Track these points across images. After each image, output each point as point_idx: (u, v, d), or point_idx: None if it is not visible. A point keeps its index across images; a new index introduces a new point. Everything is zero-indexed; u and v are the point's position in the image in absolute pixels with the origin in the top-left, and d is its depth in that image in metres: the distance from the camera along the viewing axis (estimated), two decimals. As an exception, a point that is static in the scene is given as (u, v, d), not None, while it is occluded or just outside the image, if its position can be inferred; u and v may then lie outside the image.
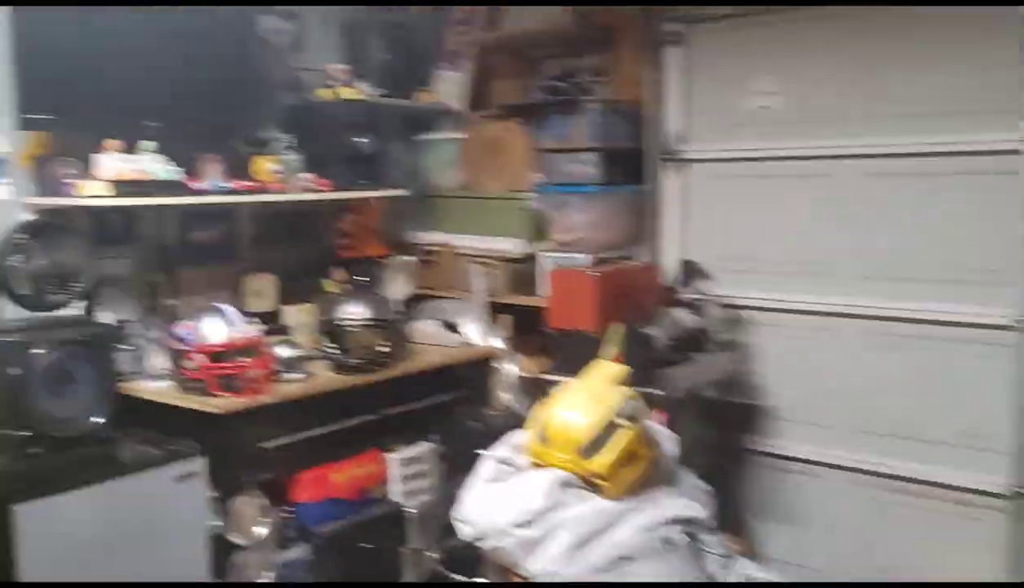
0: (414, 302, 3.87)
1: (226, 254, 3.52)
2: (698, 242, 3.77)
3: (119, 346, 3.05)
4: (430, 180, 4.16)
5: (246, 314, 3.30)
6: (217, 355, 2.85)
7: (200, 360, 2.82)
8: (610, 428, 2.21)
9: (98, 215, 3.10)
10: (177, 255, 3.36)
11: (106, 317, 3.08)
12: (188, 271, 3.39)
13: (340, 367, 3.19)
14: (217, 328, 2.87)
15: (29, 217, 2.95)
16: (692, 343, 3.40)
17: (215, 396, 2.82)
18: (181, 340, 2.86)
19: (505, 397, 3.59)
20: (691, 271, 3.63)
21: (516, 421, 3.33)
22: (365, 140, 3.54)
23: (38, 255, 2.66)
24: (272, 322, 3.47)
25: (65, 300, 2.73)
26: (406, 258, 3.76)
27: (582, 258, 3.62)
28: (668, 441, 2.46)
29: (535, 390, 3.66)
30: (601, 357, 3.30)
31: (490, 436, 3.26)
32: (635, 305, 3.41)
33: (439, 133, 4.15)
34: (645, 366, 3.11)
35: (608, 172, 3.70)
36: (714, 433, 3.45)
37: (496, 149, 3.94)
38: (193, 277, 3.41)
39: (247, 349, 2.91)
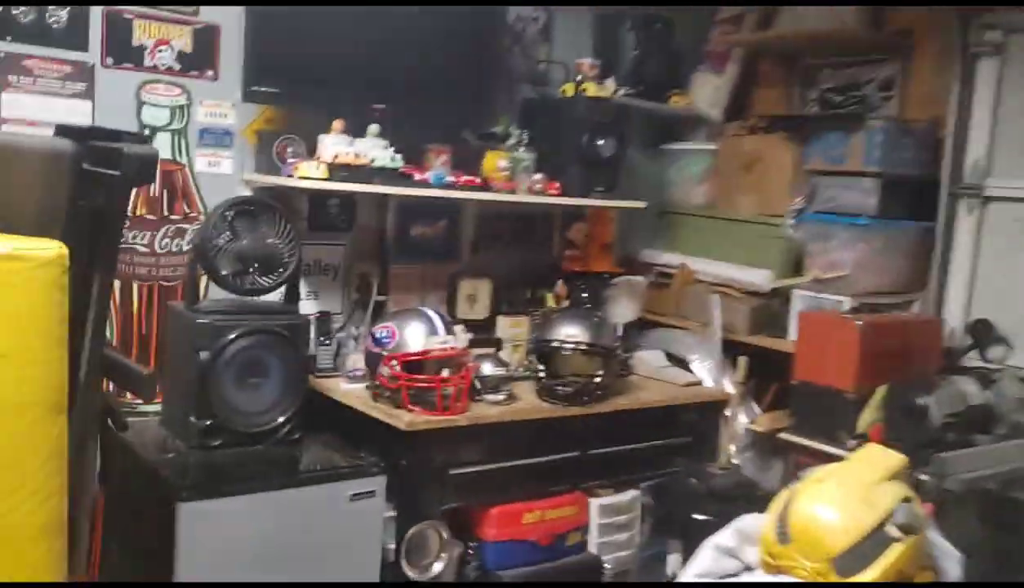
0: (638, 328, 3.41)
1: (443, 253, 3.22)
2: (992, 298, 3.04)
3: (320, 339, 2.83)
4: (673, 194, 3.69)
5: (455, 320, 3.00)
6: (414, 365, 2.53)
7: (395, 368, 2.51)
8: (878, 537, 1.65)
9: (315, 198, 2.89)
10: (392, 249, 3.10)
11: (309, 307, 2.86)
12: (401, 267, 3.12)
13: (548, 393, 2.79)
14: (418, 335, 2.55)
15: (246, 194, 2.79)
16: (977, 422, 2.71)
17: (407, 409, 2.50)
18: (379, 343, 2.57)
19: (732, 453, 3.05)
20: (983, 333, 2.92)
21: (742, 485, 2.81)
22: (607, 143, 3.12)
23: (247, 235, 2.46)
24: (482, 332, 3.14)
25: (269, 285, 2.51)
26: (636, 278, 3.31)
27: (843, 301, 3.02)
28: (950, 561, 1.85)
29: (769, 450, 3.12)
30: (858, 424, 2.72)
31: (709, 498, 2.77)
32: (906, 367, 2.77)
33: (689, 142, 3.66)
34: (913, 445, 2.48)
35: (888, 203, 3.08)
36: (995, 540, 2.73)
37: (753, 165, 3.40)
38: (405, 274, 3.13)
39: (448, 362, 2.57)
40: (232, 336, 2.39)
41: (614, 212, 3.49)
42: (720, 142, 3.55)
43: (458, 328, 2.77)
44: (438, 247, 3.21)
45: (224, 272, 2.44)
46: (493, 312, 3.22)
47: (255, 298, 2.54)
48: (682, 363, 3.28)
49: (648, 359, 3.27)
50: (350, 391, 2.68)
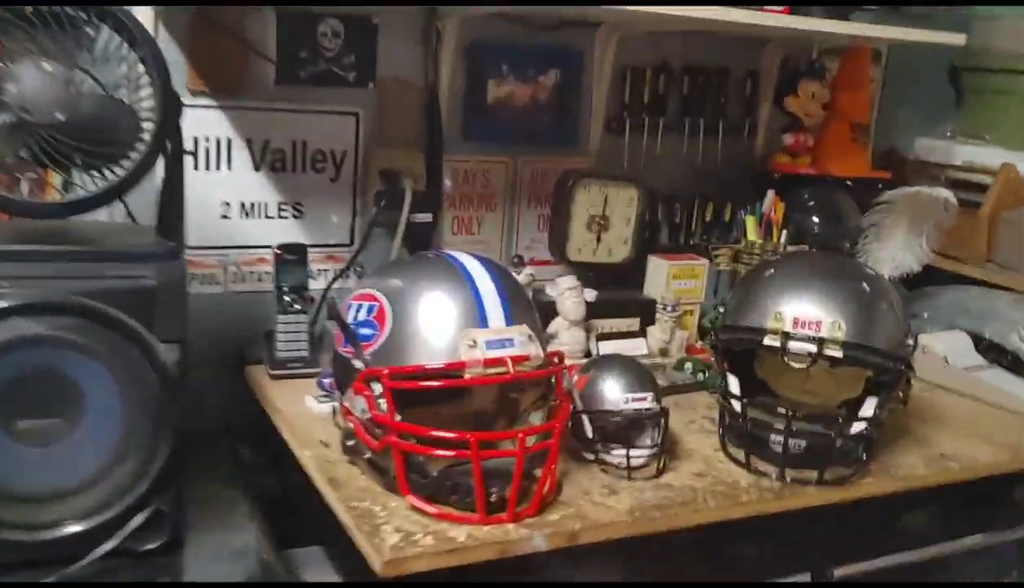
0: (915, 284, 1.75)
1: (549, 135, 1.63)
2: None
3: (285, 301, 1.35)
4: (987, 36, 1.91)
5: (564, 264, 1.48)
6: (423, 395, 0.98)
7: (378, 403, 0.97)
8: None
9: (287, 20, 1.36)
10: (450, 124, 1.53)
11: (276, 235, 1.39)
12: (466, 159, 1.56)
13: (749, 445, 1.19)
14: (445, 319, 0.99)
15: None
16: None
17: (407, 502, 0.98)
18: (352, 334, 1.03)
19: None
20: None
21: None
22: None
23: (40, 73, 0.96)
24: (617, 286, 1.58)
25: (97, 193, 1.02)
26: (930, 191, 1.61)
27: None
28: None
29: None
30: None
31: None
32: None
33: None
34: None
35: None
36: None
37: None
38: (475, 172, 1.58)
39: (510, 390, 1.02)
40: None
41: (883, 57, 1.77)
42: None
43: (565, 281, 1.20)
44: (539, 123, 1.61)
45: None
46: (640, 250, 1.62)
47: (77, 222, 1.06)
48: (1008, 359, 1.60)
49: (941, 349, 1.59)
50: (315, 420, 1.18)
